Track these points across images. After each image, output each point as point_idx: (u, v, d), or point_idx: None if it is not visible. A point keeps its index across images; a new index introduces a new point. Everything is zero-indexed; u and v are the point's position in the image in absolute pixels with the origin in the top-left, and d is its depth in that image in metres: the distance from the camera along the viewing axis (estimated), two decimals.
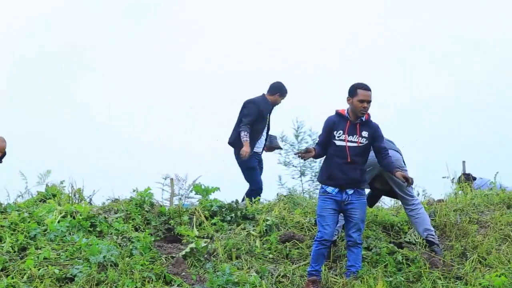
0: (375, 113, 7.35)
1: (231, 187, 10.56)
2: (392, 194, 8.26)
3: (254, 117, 9.91)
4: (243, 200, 9.58)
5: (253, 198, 9.59)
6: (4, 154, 9.59)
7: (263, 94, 10.17)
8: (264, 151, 10.37)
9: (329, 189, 7.08)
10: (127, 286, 6.40)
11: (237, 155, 9.98)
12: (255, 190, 10.00)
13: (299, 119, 15.52)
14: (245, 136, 9.72)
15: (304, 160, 7.52)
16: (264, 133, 10.20)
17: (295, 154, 7.38)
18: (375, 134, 7.19)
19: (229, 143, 10.09)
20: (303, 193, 11.56)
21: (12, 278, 6.25)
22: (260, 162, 10.29)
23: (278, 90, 10.17)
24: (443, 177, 10.36)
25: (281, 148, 10.75)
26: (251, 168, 10.03)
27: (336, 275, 7.27)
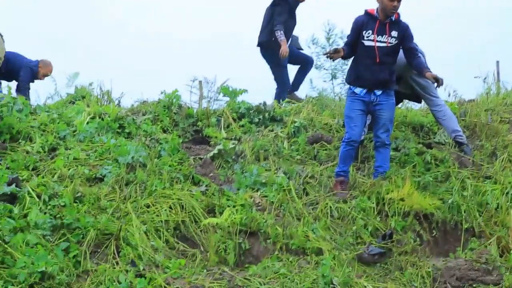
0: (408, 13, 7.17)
1: (260, 89, 10.49)
2: (414, 98, 8.12)
3: (287, 15, 9.68)
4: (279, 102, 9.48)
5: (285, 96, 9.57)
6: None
7: None
8: None
9: (357, 90, 6.99)
10: (155, 186, 6.44)
11: (269, 55, 9.80)
12: (284, 90, 9.90)
13: (331, 22, 15.27)
14: (281, 35, 9.46)
15: (333, 60, 7.40)
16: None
17: (323, 54, 7.24)
18: (405, 34, 7.01)
19: (260, 43, 9.85)
20: (334, 95, 11.46)
21: (43, 177, 6.31)
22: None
23: None
24: (475, 77, 10.15)
25: (302, 49, 10.46)
26: (283, 67, 9.88)
27: (364, 176, 7.26)
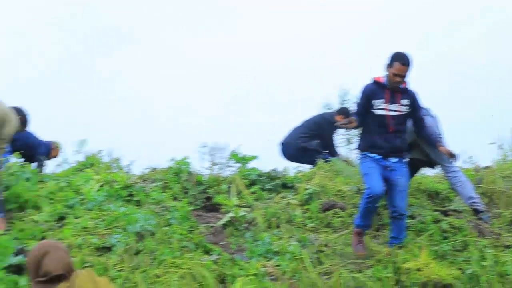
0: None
1: (271, 156, 10.39)
2: (428, 164, 7.97)
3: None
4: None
5: None
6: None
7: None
8: None
9: (372, 155, 6.83)
10: (165, 255, 6.28)
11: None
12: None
13: (344, 87, 15.36)
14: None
15: (347, 130, 7.26)
16: None
17: (337, 124, 7.08)
18: (414, 103, 6.90)
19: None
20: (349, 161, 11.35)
21: None
22: None
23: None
24: (490, 143, 10.00)
25: None
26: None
27: (379, 244, 7.06)
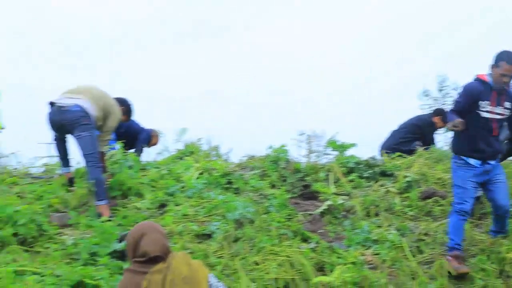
0: None
1: (369, 143, 10.30)
2: None
3: None
4: None
5: None
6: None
7: None
8: None
9: (472, 161, 6.44)
10: (264, 243, 6.32)
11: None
12: None
13: (442, 73, 15.04)
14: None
15: (455, 131, 6.83)
16: None
17: (449, 126, 6.59)
18: None
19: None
20: (448, 149, 11.12)
21: None
22: None
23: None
24: None
25: None
26: None
27: (482, 233, 6.88)
